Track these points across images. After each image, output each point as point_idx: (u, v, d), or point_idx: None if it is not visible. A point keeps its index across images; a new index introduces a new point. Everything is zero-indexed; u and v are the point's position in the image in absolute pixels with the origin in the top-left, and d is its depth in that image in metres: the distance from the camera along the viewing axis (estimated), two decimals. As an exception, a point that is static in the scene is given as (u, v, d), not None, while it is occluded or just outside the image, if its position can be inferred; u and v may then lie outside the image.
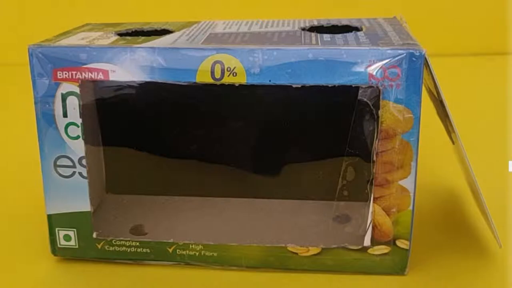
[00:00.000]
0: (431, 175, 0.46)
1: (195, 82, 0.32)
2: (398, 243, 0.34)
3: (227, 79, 0.32)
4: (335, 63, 0.31)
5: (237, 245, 0.35)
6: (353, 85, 0.32)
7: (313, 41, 0.33)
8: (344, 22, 0.39)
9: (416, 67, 0.31)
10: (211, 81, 0.32)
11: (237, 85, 0.32)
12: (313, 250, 0.34)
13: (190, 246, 0.35)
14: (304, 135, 0.39)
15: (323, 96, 0.34)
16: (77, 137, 0.33)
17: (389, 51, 0.31)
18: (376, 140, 0.32)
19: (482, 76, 0.79)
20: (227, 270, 0.35)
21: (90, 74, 0.32)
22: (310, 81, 0.32)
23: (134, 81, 0.33)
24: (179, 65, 0.32)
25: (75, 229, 0.35)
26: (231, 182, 0.41)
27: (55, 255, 0.36)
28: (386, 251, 0.34)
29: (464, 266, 0.35)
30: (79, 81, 0.33)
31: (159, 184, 0.41)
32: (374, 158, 0.33)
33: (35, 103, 0.33)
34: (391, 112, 0.31)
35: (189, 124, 0.40)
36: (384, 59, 0.31)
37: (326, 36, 0.34)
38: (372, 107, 0.33)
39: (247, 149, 0.40)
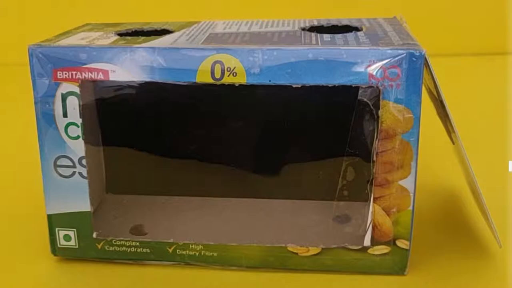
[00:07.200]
0: (431, 175, 0.46)
1: (195, 82, 0.32)
2: (398, 243, 0.34)
3: (227, 79, 0.32)
4: (335, 63, 0.31)
5: (237, 245, 0.35)
6: (353, 85, 0.32)
7: (313, 41, 0.33)
8: (344, 22, 0.39)
9: (416, 67, 0.31)
10: (211, 81, 0.32)
11: (237, 85, 0.32)
12: (313, 250, 0.34)
13: (190, 246, 0.35)
14: (304, 135, 0.39)
15: (323, 96, 0.34)
16: (77, 137, 0.33)
17: (389, 51, 0.31)
18: (376, 140, 0.32)
19: (482, 76, 0.79)
20: (227, 270, 0.35)
21: (90, 74, 0.32)
22: (310, 81, 0.32)
23: (134, 81, 0.33)
24: (179, 65, 0.32)
25: (75, 229, 0.35)
26: (231, 182, 0.41)
27: (55, 255, 0.36)
28: (386, 251, 0.34)
29: (464, 266, 0.35)
30: (79, 81, 0.33)
31: (159, 184, 0.41)
32: (374, 158, 0.33)
33: (35, 103, 0.33)
34: (391, 112, 0.31)
35: (189, 124, 0.40)
36: (384, 59, 0.31)
37: (326, 36, 0.34)
38: (372, 107, 0.33)
39: (247, 149, 0.40)
